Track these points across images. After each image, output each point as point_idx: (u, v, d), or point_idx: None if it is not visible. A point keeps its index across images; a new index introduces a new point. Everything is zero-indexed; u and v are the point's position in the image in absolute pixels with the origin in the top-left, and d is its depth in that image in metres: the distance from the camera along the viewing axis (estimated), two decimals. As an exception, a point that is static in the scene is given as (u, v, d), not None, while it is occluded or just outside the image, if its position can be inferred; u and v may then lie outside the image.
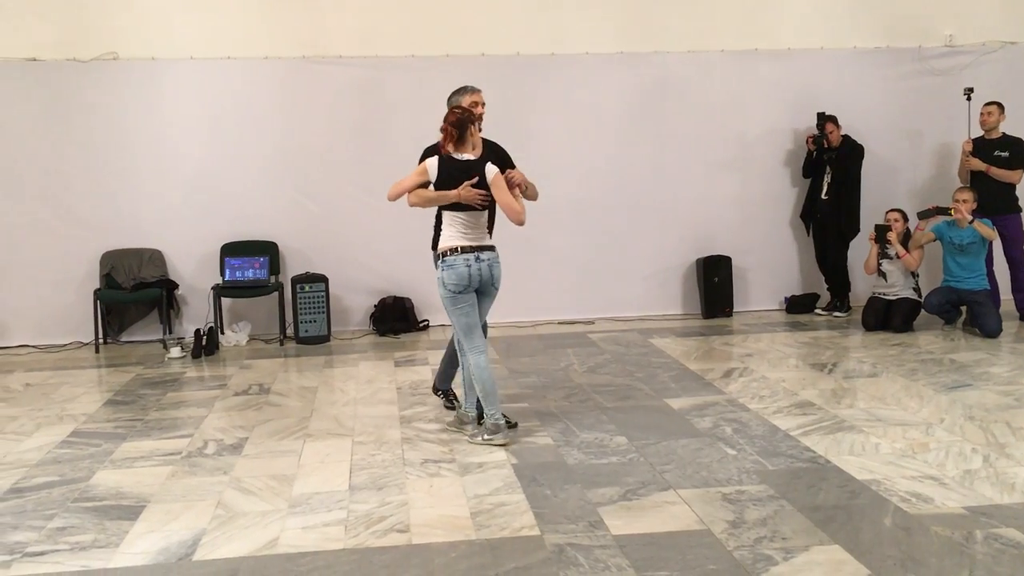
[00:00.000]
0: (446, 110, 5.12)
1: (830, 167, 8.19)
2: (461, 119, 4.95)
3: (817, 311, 8.42)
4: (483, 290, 5.00)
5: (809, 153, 8.30)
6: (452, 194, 4.88)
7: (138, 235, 7.99)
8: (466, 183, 4.86)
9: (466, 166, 4.92)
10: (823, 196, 8.24)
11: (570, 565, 3.44)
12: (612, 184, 8.37)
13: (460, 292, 4.90)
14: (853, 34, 8.54)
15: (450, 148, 4.96)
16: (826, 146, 8.15)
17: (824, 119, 8.12)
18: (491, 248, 4.98)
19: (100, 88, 7.84)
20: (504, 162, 5.11)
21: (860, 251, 8.15)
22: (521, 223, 4.94)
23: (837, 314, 8.27)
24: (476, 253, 4.90)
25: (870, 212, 8.21)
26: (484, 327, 5.17)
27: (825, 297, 8.53)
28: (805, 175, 8.43)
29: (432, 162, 4.96)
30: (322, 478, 4.47)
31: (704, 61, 8.41)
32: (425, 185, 4.99)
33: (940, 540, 3.56)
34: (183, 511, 4.09)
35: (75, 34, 7.79)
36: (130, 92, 7.88)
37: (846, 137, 8.18)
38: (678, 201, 8.50)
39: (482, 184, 4.88)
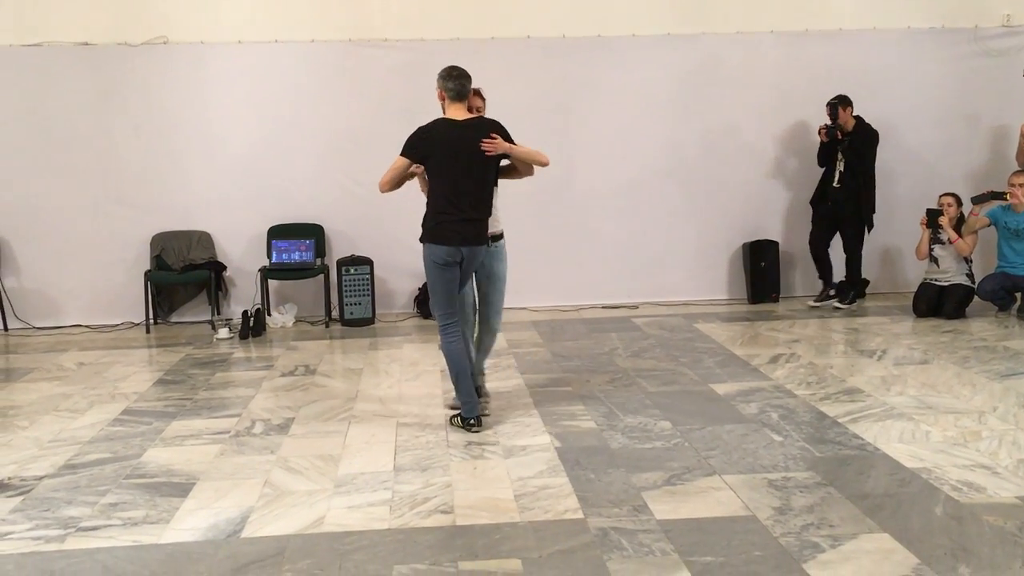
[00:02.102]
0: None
1: (843, 154, 7.81)
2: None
3: (811, 303, 8.11)
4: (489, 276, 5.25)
5: (823, 143, 7.89)
6: None
7: (187, 217, 8.10)
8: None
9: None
10: (835, 184, 7.86)
11: (614, 549, 3.43)
12: (658, 168, 8.30)
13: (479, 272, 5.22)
14: (907, 14, 8.34)
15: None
16: (839, 136, 7.74)
17: (835, 106, 7.70)
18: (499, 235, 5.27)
19: (150, 72, 7.94)
20: None
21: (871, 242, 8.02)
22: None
23: (838, 305, 7.94)
24: (489, 242, 5.17)
25: (896, 199, 8.03)
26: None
27: (817, 285, 8.25)
28: (820, 164, 8.03)
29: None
30: (367, 459, 4.51)
31: (753, 42, 8.28)
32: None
33: (992, 530, 3.49)
34: (231, 489, 4.16)
35: (126, 19, 7.89)
36: (179, 76, 7.98)
37: (859, 120, 7.80)
38: (725, 185, 8.40)
39: None
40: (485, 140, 4.82)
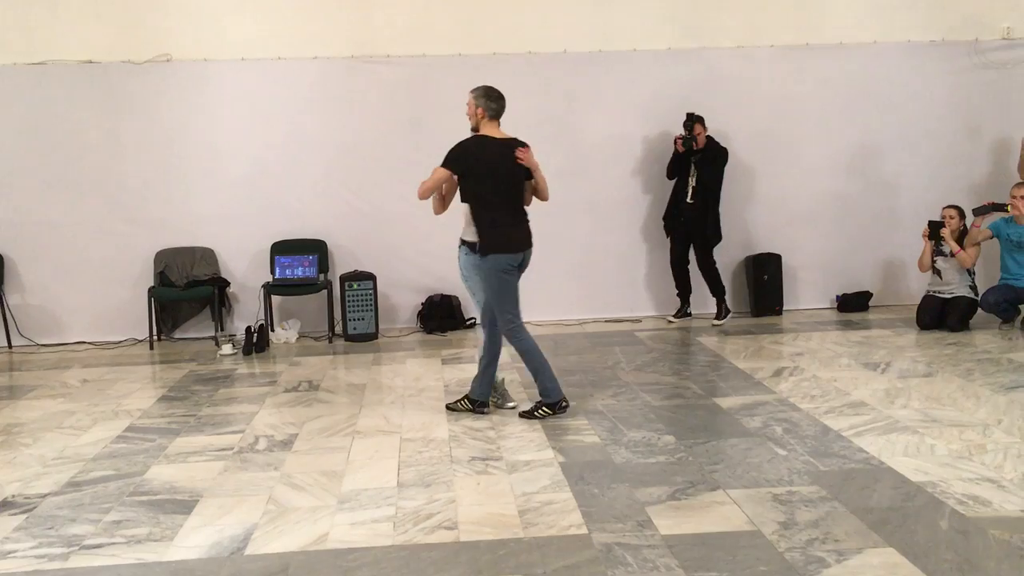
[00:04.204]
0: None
1: (696, 169, 7.89)
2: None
3: (669, 319, 8.18)
4: None
5: (676, 154, 7.95)
6: None
7: (191, 234, 8.13)
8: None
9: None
10: (688, 200, 7.94)
11: (618, 564, 3.42)
12: (660, 182, 8.31)
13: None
14: (907, 28, 8.37)
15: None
16: (694, 147, 7.82)
17: (693, 119, 7.80)
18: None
19: (154, 89, 7.99)
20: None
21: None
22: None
23: (715, 322, 7.98)
24: None
25: (898, 212, 8.06)
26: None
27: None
28: (670, 176, 8.07)
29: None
30: (371, 474, 4.51)
31: (754, 57, 8.31)
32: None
33: (998, 544, 3.47)
34: (235, 506, 4.15)
35: (129, 36, 7.94)
36: (183, 93, 8.02)
37: (710, 139, 7.90)
38: (727, 198, 8.40)
39: None
40: (520, 149, 5.15)
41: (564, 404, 5.35)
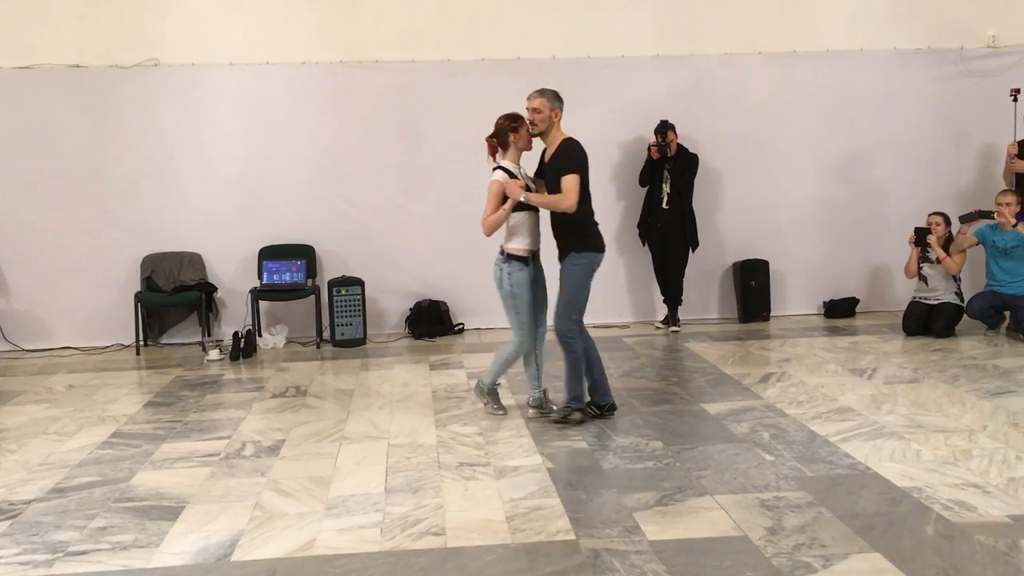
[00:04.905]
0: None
1: (669, 174, 7.96)
2: (499, 128, 5.26)
3: (657, 325, 8.23)
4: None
5: (649, 161, 8.00)
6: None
7: (178, 239, 8.10)
8: None
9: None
10: (664, 206, 8.00)
11: (606, 570, 3.42)
12: (637, 188, 8.30)
13: None
14: (893, 35, 8.43)
15: (497, 157, 5.31)
16: (668, 155, 7.87)
17: (666, 126, 7.86)
18: (500, 250, 5.29)
19: (141, 94, 7.97)
20: (558, 163, 5.14)
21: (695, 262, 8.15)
22: (484, 233, 5.24)
23: (674, 328, 8.04)
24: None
25: (885, 218, 8.12)
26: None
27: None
28: (642, 184, 8.12)
29: None
30: (358, 480, 4.49)
31: (742, 63, 8.35)
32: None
33: (983, 549, 3.49)
34: (221, 512, 4.13)
35: (117, 41, 7.92)
36: (171, 98, 8.00)
37: (681, 146, 7.97)
38: (715, 204, 8.44)
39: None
40: None
41: (614, 406, 5.42)
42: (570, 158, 5.13)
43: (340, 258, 8.24)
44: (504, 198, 5.13)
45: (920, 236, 7.54)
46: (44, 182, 7.95)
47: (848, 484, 4.21)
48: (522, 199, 5.09)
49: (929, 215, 7.65)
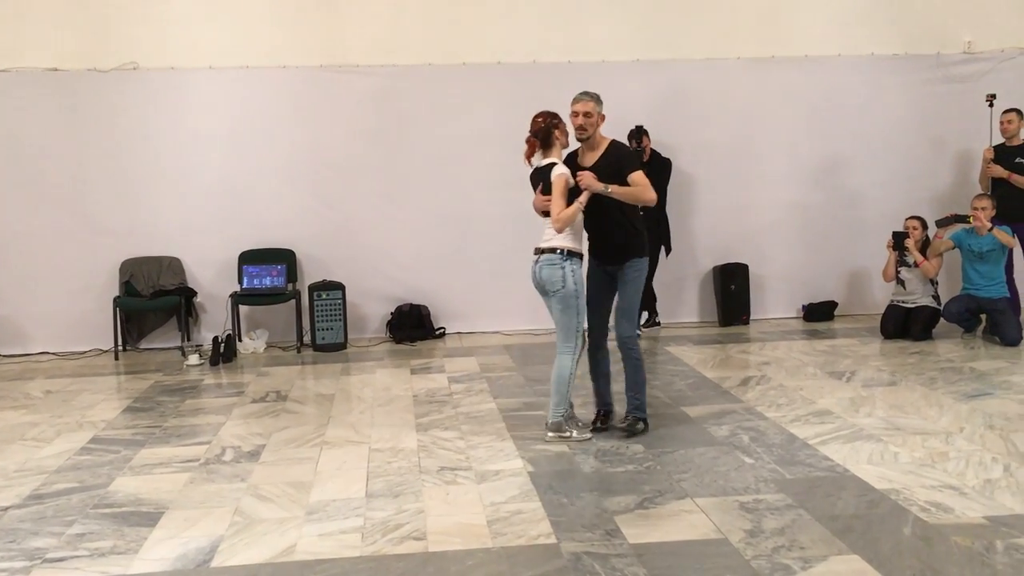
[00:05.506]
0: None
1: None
2: (542, 127, 5.01)
3: (638, 332, 8.19)
4: (543, 292, 5.08)
5: None
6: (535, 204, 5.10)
7: (157, 243, 8.05)
8: (536, 193, 5.06)
9: (537, 174, 5.05)
10: (640, 211, 8.04)
11: (587, 574, 3.43)
12: (628, 192, 8.35)
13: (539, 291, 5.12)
14: (870, 41, 8.50)
15: (535, 157, 5.07)
16: (643, 160, 7.78)
17: (641, 131, 7.85)
18: (548, 250, 4.98)
19: (120, 98, 7.91)
20: (618, 164, 5.02)
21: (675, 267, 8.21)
22: (556, 229, 4.93)
23: (645, 328, 8.06)
24: (536, 255, 5.04)
25: (863, 223, 8.23)
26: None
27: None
28: None
29: (533, 175, 5.16)
30: (339, 485, 4.48)
31: (721, 69, 8.40)
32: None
33: (960, 550, 3.53)
34: (201, 518, 4.11)
35: (95, 44, 7.87)
36: (150, 101, 7.96)
37: (655, 152, 7.99)
38: (694, 208, 8.48)
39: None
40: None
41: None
42: (629, 157, 5.11)
43: (321, 262, 8.21)
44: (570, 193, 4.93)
45: (898, 240, 7.60)
46: (21, 186, 7.88)
47: (827, 486, 4.24)
48: (608, 191, 4.92)
49: (906, 219, 7.73)
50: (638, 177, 4.99)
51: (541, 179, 5.01)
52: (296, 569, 3.56)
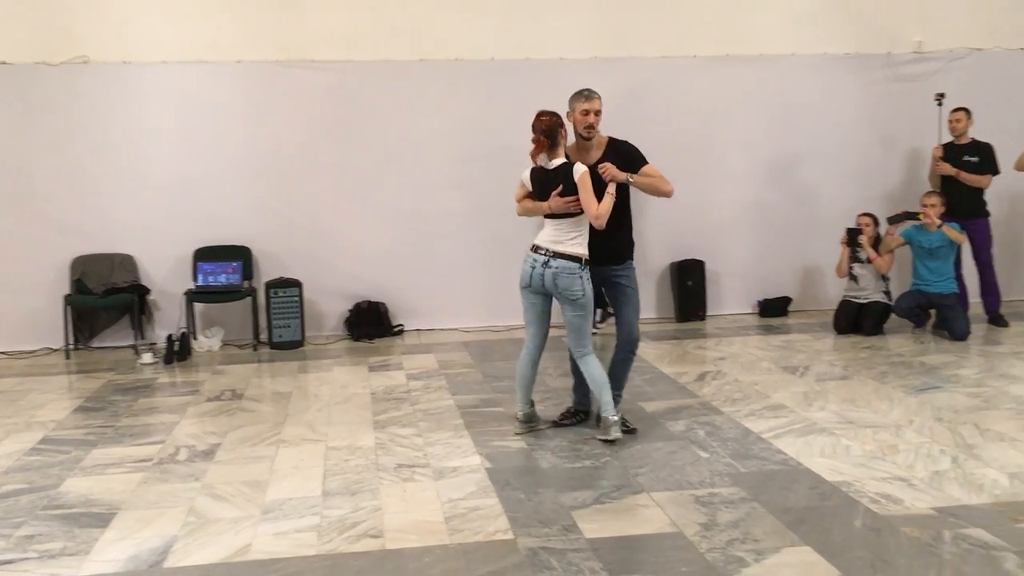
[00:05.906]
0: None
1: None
2: (550, 125, 4.88)
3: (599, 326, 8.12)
4: (556, 297, 4.96)
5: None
6: (543, 206, 4.88)
7: (109, 240, 7.91)
8: (553, 194, 4.82)
9: (552, 174, 4.88)
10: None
11: (543, 569, 3.45)
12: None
13: (522, 288, 5.02)
14: (823, 41, 8.62)
15: (541, 157, 4.93)
16: None
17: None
18: (567, 257, 4.82)
19: (70, 92, 7.77)
20: (628, 160, 4.96)
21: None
22: (599, 225, 4.80)
23: (600, 324, 8.03)
24: (544, 257, 4.86)
25: (817, 219, 8.32)
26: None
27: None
28: None
29: (525, 174, 5.02)
30: (295, 484, 4.45)
31: (678, 67, 8.46)
32: (531, 196, 4.99)
33: (909, 541, 3.60)
34: (154, 518, 4.06)
35: (44, 37, 7.71)
36: (101, 96, 7.82)
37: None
38: (651, 206, 8.52)
39: (572, 189, 4.79)
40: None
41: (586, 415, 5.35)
42: (636, 152, 5.02)
43: (277, 259, 8.14)
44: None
45: (852, 236, 7.72)
46: (-32, 182, 7.72)
47: (780, 479, 4.30)
48: (631, 181, 4.85)
49: (859, 216, 7.85)
50: (652, 169, 4.98)
51: (558, 180, 4.82)
52: (251, 569, 3.53)
